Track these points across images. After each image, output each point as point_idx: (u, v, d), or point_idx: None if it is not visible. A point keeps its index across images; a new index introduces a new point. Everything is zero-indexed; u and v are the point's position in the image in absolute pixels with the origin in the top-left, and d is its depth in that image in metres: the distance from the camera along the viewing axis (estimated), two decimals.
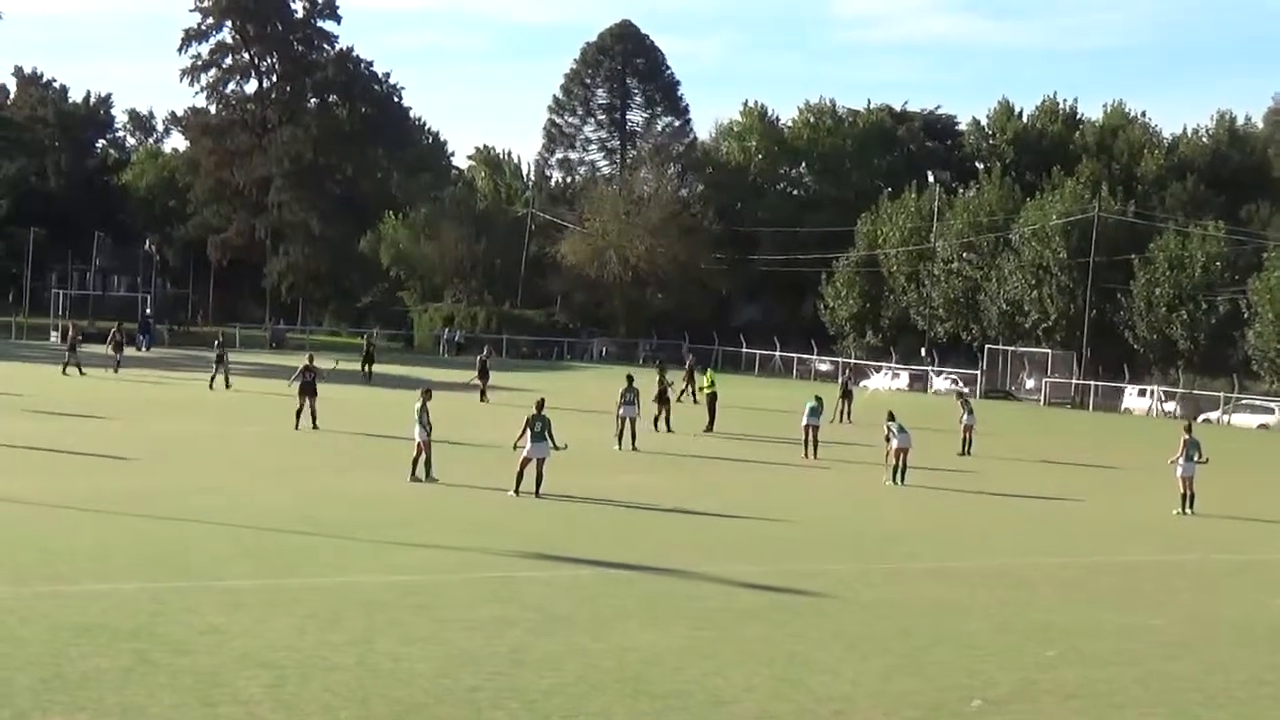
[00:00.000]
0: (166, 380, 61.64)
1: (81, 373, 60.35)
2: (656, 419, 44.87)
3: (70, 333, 65.91)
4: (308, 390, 41.28)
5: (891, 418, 36.12)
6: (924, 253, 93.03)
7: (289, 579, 19.97)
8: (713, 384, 49.51)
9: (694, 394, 54.09)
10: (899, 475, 34.91)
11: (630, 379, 41.69)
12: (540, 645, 16.48)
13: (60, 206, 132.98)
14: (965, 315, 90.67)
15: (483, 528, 25.03)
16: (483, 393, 54.04)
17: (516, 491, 28.97)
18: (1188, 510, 32.02)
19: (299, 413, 41.00)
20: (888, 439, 35.55)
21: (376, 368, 66.66)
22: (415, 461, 30.76)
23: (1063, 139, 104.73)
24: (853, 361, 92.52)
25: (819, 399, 42.26)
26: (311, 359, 43.73)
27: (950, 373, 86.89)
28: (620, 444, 39.89)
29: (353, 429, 41.88)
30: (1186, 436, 32.86)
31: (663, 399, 45.70)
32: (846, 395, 54.63)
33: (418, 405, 30.95)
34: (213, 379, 56.03)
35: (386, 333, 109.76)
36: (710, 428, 46.56)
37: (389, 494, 29.34)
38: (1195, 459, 32.40)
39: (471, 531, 24.56)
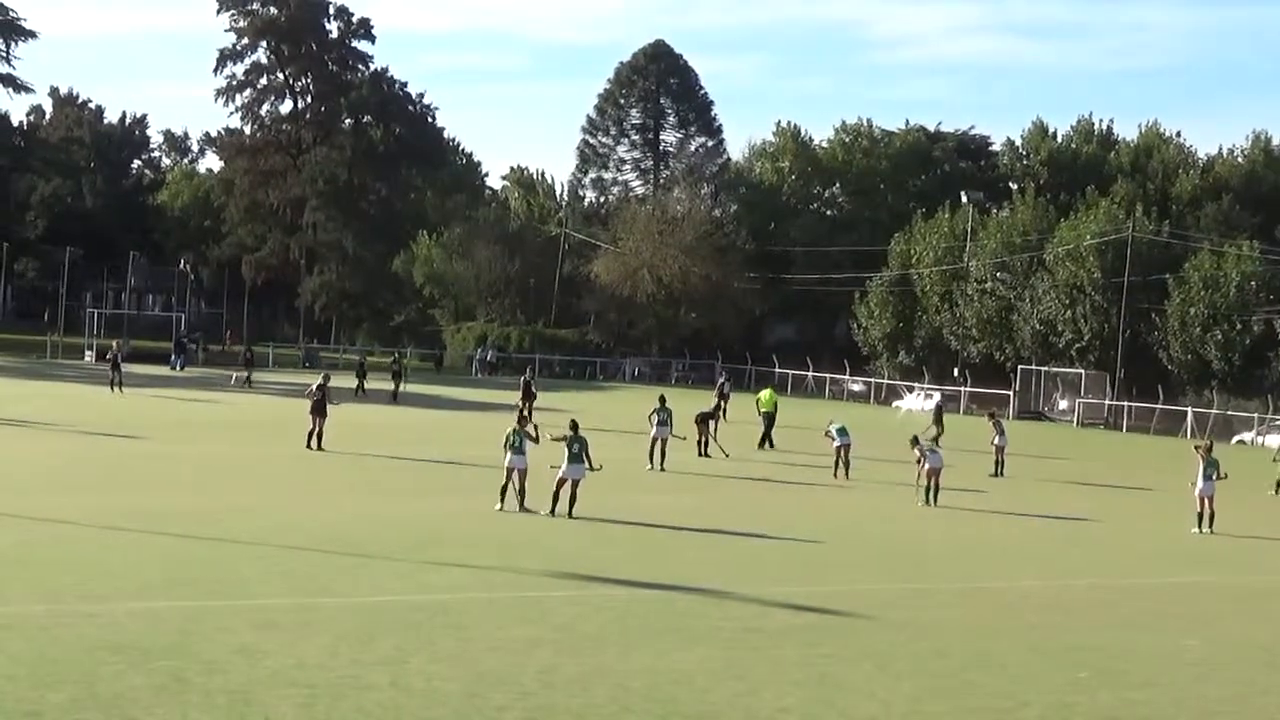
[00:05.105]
0: (201, 400, 61.87)
1: (120, 390, 60.73)
2: (711, 440, 44.61)
3: (112, 351, 66.13)
4: (318, 410, 41.20)
5: (916, 441, 36.21)
6: (957, 272, 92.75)
7: (322, 598, 20.01)
8: (771, 403, 50.02)
9: (725, 413, 53.79)
10: (931, 496, 34.84)
11: (662, 399, 41.65)
12: (570, 665, 16.48)
13: (96, 226, 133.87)
14: (999, 335, 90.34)
15: (513, 547, 25.02)
16: (527, 413, 53.55)
17: (552, 512, 28.97)
18: (1206, 529, 32.00)
19: (310, 433, 40.90)
20: (919, 460, 35.47)
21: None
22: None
23: (1097, 159, 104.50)
24: (885, 381, 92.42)
25: (833, 420, 42.39)
26: (327, 378, 43.67)
27: (927, 388, 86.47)
28: (651, 463, 39.88)
29: (380, 451, 41.99)
30: (1204, 455, 32.90)
31: (707, 421, 45.31)
32: (939, 420, 53.96)
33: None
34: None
35: (420, 352, 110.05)
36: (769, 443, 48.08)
37: (420, 514, 29.38)
38: (1214, 477, 32.41)
39: (502, 551, 24.56)
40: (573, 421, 30.34)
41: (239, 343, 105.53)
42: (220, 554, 23.04)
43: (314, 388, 41.93)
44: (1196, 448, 34.23)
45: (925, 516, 33.21)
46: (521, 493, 29.62)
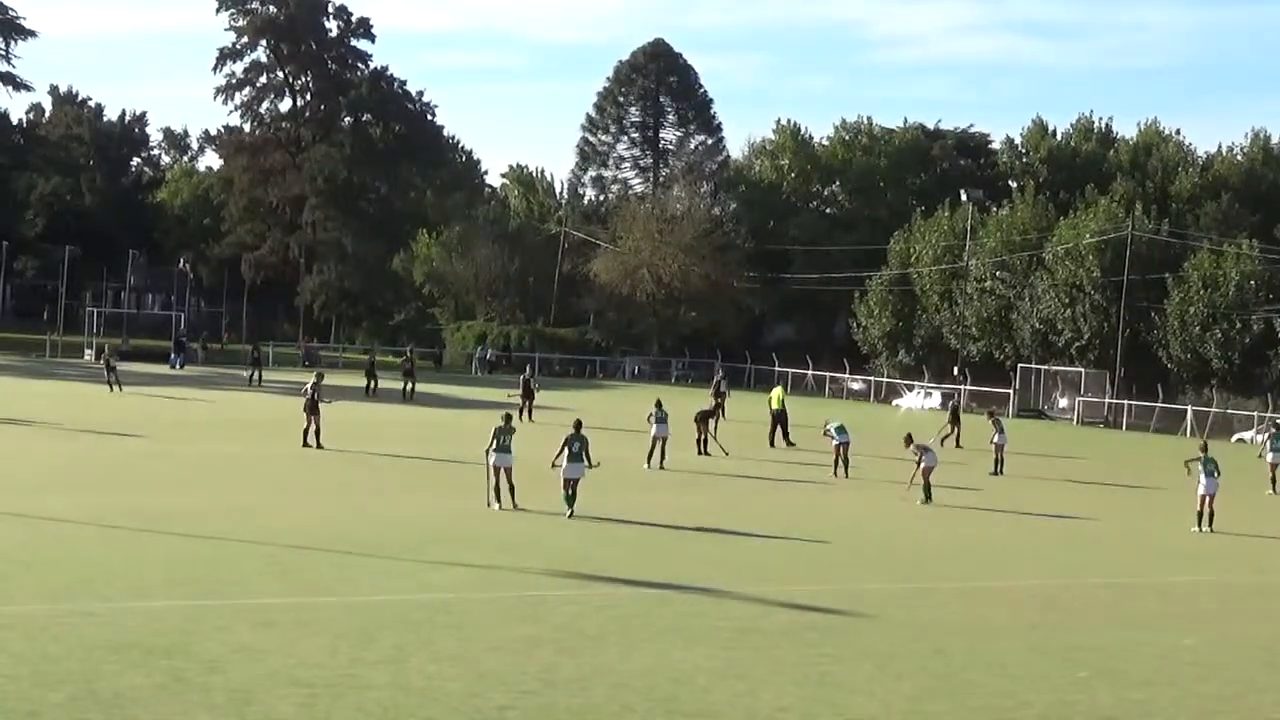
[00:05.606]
0: (201, 399, 61.84)
1: (119, 389, 60.68)
2: (711, 439, 44.70)
3: (104, 354, 66.32)
4: (312, 408, 41.26)
5: (911, 440, 36.26)
6: (957, 271, 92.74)
7: (322, 597, 20.02)
8: (780, 401, 50.42)
9: (724, 411, 53.69)
10: (926, 495, 34.92)
11: (659, 403, 41.63)
12: (570, 665, 16.49)
13: (95, 225, 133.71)
14: (998, 334, 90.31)
15: (513, 547, 25.03)
16: (527, 412, 53.79)
17: (570, 513, 28.94)
18: (1206, 528, 32.07)
19: (306, 430, 41.02)
20: (918, 460, 35.48)
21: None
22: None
23: (1096, 157, 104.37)
24: (885, 380, 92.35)
25: (830, 420, 42.51)
26: (321, 377, 43.77)
27: (927, 386, 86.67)
28: (649, 463, 39.93)
29: (381, 449, 42.00)
30: (1201, 455, 33.00)
31: (707, 419, 45.37)
32: (956, 419, 53.81)
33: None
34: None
35: (419, 350, 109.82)
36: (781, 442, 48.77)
37: (420, 513, 29.39)
38: (1215, 475, 32.51)
39: (502, 551, 24.57)
40: (576, 421, 30.34)
41: (237, 342, 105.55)
42: (220, 553, 23.04)
43: (308, 386, 42.12)
44: (1188, 463, 33.80)
45: (925, 516, 33.22)
46: (511, 490, 29.64)
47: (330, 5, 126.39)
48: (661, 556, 25.15)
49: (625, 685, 15.69)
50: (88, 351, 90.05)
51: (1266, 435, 46.74)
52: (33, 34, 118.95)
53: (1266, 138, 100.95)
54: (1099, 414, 79.57)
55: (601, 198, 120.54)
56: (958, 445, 50.54)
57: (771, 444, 48.60)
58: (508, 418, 31.02)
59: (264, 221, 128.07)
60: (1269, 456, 43.15)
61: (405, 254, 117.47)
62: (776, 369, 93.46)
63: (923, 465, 35.21)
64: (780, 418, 49.62)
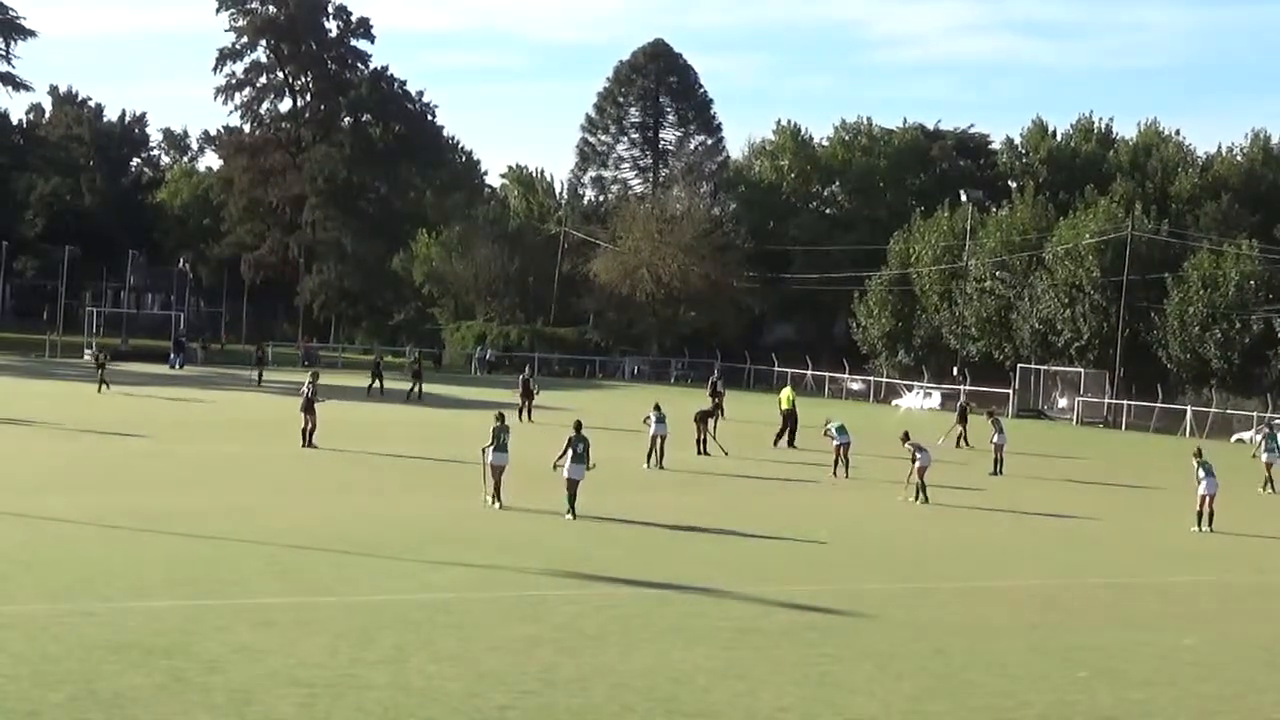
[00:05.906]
0: (200, 399, 61.81)
1: (106, 388, 60.57)
2: (711, 438, 44.72)
3: (97, 353, 66.58)
4: (308, 408, 41.43)
5: (908, 438, 36.34)
6: (956, 271, 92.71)
7: (322, 597, 20.02)
8: (790, 402, 50.45)
9: (723, 410, 53.70)
10: (921, 493, 34.95)
11: (657, 406, 41.65)
12: (570, 665, 16.49)
13: (95, 225, 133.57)
14: (998, 334, 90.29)
15: (513, 547, 25.03)
16: (526, 412, 53.87)
17: (572, 514, 28.89)
18: (1206, 528, 32.15)
19: (303, 430, 41.22)
20: (914, 459, 35.49)
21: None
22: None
23: (1096, 158, 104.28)
24: (884, 380, 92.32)
25: (831, 420, 42.53)
26: (316, 376, 43.89)
27: (926, 387, 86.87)
28: (649, 463, 39.95)
29: (381, 449, 41.99)
30: (1198, 458, 33.08)
31: (707, 419, 45.43)
32: (963, 419, 53.74)
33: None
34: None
35: (419, 350, 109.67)
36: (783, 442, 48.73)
37: (420, 513, 29.38)
38: (1215, 475, 32.63)
39: (502, 550, 24.57)
40: (577, 421, 30.29)
41: (236, 342, 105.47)
42: (220, 553, 23.04)
43: (304, 386, 42.27)
44: (1197, 465, 33.78)
45: (925, 516, 33.22)
46: (497, 489, 29.72)
47: (330, 5, 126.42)
48: (661, 556, 25.15)
49: (625, 685, 15.70)
50: (87, 352, 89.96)
51: (1262, 435, 46.89)
52: (33, 34, 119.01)
53: (1266, 138, 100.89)
54: (1099, 414, 79.55)
55: (601, 198, 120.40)
56: (958, 445, 50.59)
57: (775, 444, 48.56)
58: (501, 417, 31.06)
59: (264, 221, 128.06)
60: (1264, 456, 43.33)
61: (405, 254, 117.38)
62: (776, 369, 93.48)
63: (918, 464, 35.28)
64: (791, 419, 49.57)
